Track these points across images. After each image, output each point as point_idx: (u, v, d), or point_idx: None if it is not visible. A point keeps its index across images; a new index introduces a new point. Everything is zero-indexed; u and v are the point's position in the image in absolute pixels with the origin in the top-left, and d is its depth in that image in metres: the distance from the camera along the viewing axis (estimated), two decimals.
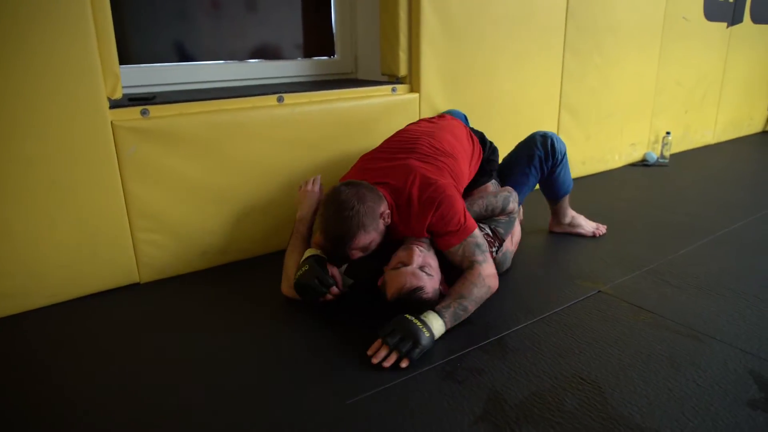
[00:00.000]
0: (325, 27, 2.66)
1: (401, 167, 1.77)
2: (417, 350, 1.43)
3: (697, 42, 3.75)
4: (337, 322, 1.65)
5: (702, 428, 1.20)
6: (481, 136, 2.16)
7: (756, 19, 4.16)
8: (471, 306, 1.60)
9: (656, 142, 3.71)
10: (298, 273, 1.68)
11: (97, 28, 1.68)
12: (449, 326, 1.55)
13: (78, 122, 1.71)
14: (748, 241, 2.27)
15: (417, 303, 1.55)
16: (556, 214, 2.35)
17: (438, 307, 1.56)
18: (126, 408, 1.31)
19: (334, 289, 1.68)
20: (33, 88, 1.62)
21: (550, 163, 2.12)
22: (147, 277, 1.97)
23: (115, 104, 1.80)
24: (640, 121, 3.58)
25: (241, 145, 2.03)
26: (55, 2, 1.59)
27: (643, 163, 3.62)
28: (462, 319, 1.59)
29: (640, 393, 1.32)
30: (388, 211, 1.67)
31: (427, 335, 1.46)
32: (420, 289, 1.55)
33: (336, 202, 1.60)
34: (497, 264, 1.85)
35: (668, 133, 3.61)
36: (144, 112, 1.85)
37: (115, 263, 1.89)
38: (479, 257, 1.65)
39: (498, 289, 1.66)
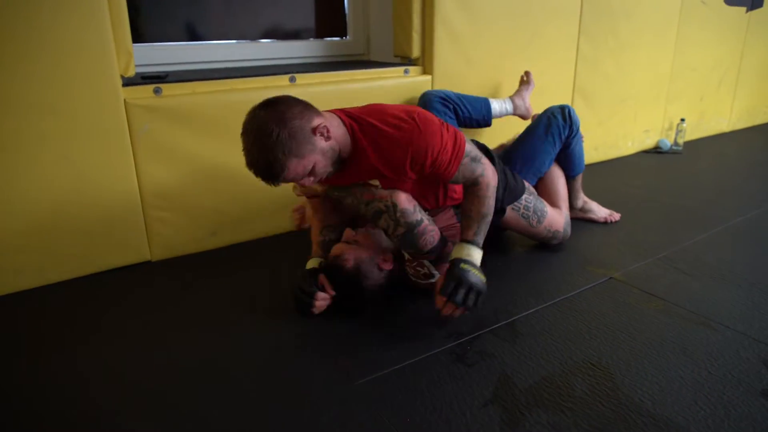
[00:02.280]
0: (337, 8, 2.63)
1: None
2: (480, 299, 1.50)
3: (715, 27, 3.67)
4: (344, 305, 1.65)
5: (714, 417, 1.19)
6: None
7: None
8: (490, 217, 1.60)
9: (670, 129, 3.66)
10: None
11: (110, 6, 1.67)
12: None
13: (91, 99, 1.70)
14: (762, 230, 2.24)
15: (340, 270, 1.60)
16: (568, 197, 2.32)
17: (469, 236, 1.55)
18: (132, 385, 1.32)
19: (321, 295, 1.58)
20: (46, 65, 1.61)
21: (566, 133, 2.09)
22: (158, 255, 1.97)
23: (128, 82, 1.79)
24: (655, 108, 3.53)
25: None
26: None
27: (657, 151, 3.58)
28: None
29: (651, 380, 1.31)
30: (324, 123, 1.43)
31: (483, 279, 1.51)
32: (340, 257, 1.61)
33: (253, 130, 1.37)
34: (562, 238, 2.03)
35: (683, 120, 3.56)
36: (157, 91, 1.84)
37: (127, 241, 1.90)
38: (478, 170, 1.57)
39: (509, 274, 1.64)
